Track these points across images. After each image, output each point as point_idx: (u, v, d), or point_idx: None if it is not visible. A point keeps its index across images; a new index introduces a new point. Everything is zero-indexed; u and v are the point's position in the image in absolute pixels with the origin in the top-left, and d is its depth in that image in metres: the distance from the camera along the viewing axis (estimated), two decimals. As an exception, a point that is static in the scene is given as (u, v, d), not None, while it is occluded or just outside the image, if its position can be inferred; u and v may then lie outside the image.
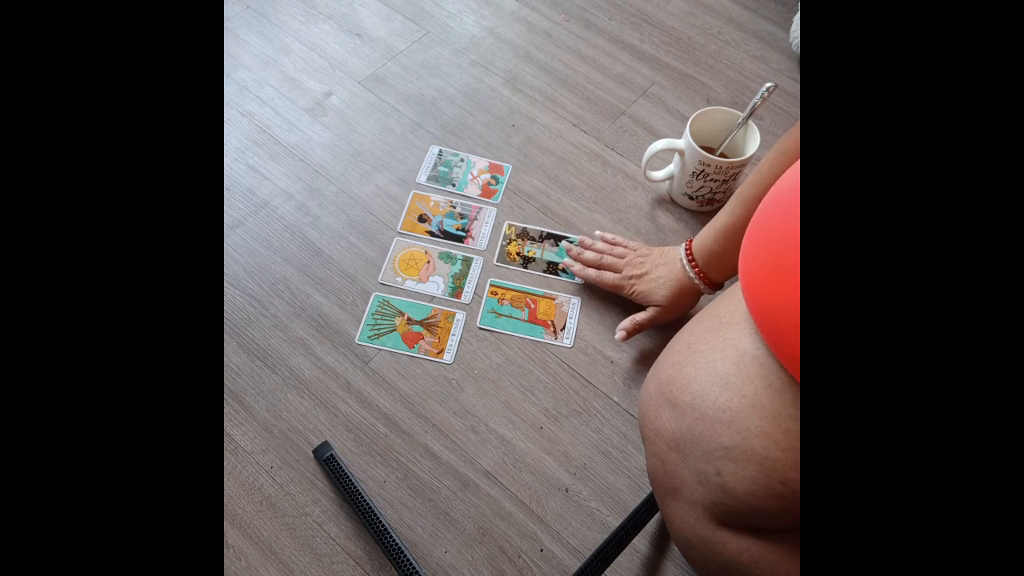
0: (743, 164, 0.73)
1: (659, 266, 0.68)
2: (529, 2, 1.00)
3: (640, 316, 0.67)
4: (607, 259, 0.71)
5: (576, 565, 0.59)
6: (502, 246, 0.77)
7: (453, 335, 0.70)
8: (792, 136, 0.56)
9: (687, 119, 0.75)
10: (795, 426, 0.36)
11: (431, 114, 0.87)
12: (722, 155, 0.76)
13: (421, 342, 0.69)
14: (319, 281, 0.73)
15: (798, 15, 0.95)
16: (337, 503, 0.61)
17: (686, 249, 0.66)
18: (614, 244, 0.73)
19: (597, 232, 0.76)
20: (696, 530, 0.40)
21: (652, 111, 0.89)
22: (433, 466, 0.63)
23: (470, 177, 0.82)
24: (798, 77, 0.93)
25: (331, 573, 0.57)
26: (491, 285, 0.74)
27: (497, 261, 0.76)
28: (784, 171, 0.45)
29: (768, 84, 0.70)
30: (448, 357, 0.69)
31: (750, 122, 0.74)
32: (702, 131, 0.77)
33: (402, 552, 0.57)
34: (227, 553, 0.58)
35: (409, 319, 0.71)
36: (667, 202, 0.81)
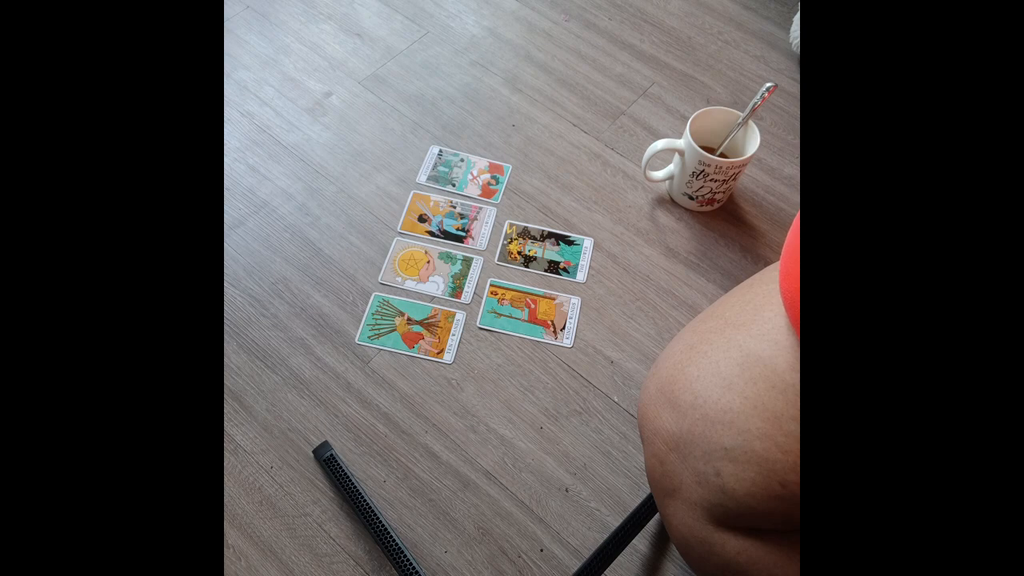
0: (743, 164, 0.73)
1: None
2: (529, 2, 1.00)
3: None
4: None
5: (576, 565, 0.59)
6: (503, 245, 0.77)
7: (453, 335, 0.70)
8: None
9: (687, 119, 0.75)
10: (796, 428, 0.36)
11: (431, 114, 0.87)
12: (722, 155, 0.76)
13: (421, 342, 0.69)
14: (319, 281, 0.73)
15: (798, 15, 0.95)
16: (337, 503, 0.61)
17: None
18: None
19: None
20: (694, 531, 0.40)
21: (652, 111, 0.89)
22: (433, 466, 0.63)
23: (470, 177, 0.82)
24: (798, 77, 0.93)
25: (331, 573, 0.58)
26: (491, 285, 0.74)
27: (498, 260, 0.76)
28: None
29: (768, 84, 0.70)
30: (448, 357, 0.69)
31: (750, 122, 0.74)
32: (702, 131, 0.77)
33: (402, 552, 0.57)
34: (227, 553, 0.58)
35: (409, 319, 0.71)
36: (667, 202, 0.81)
